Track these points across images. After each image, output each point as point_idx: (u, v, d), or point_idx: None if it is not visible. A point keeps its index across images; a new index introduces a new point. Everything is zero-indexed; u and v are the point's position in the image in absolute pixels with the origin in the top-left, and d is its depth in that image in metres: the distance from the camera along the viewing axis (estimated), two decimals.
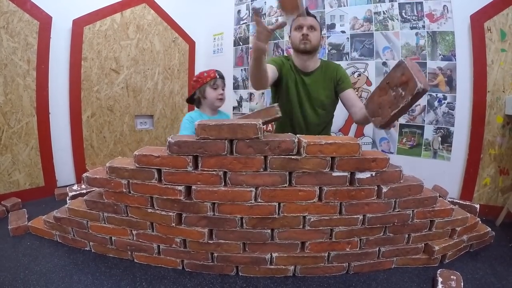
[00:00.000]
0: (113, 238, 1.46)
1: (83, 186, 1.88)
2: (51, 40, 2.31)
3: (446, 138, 2.23)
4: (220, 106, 1.84)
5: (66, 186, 2.28)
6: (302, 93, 1.80)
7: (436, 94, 2.23)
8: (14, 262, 1.41)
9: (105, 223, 1.45)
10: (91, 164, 2.63)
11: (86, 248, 1.54)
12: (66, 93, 2.48)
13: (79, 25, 2.44)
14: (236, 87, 3.24)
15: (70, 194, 1.83)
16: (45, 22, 2.26)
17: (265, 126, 1.34)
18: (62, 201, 2.15)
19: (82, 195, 1.73)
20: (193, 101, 1.88)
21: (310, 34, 1.70)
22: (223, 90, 1.81)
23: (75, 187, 1.95)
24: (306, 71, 1.81)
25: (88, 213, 1.47)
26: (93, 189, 1.57)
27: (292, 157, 1.23)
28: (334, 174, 1.26)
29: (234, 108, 3.25)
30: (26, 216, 1.81)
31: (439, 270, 1.34)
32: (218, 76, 1.79)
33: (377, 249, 1.41)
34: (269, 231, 1.32)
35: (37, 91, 2.26)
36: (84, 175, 1.42)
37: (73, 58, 2.46)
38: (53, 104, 2.38)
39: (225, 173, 1.26)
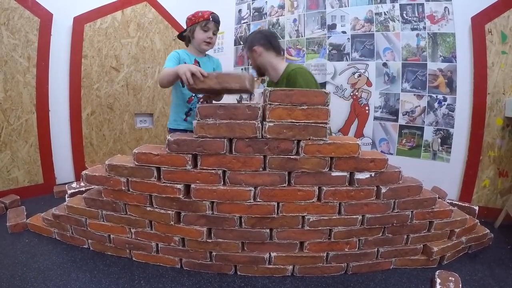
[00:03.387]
0: (111, 236, 1.46)
1: (82, 184, 1.87)
2: (51, 37, 2.31)
3: (446, 140, 2.22)
4: (206, 50, 1.76)
5: (65, 183, 2.28)
6: None
7: (436, 96, 2.22)
8: (12, 259, 1.41)
9: (103, 221, 1.45)
10: (90, 162, 2.62)
11: (84, 246, 1.54)
12: (66, 91, 2.48)
13: (79, 22, 2.44)
14: None
15: (69, 191, 1.83)
16: (46, 19, 2.26)
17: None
18: (61, 198, 2.14)
19: (81, 192, 1.73)
20: (183, 38, 1.78)
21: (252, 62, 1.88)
22: (214, 34, 1.71)
23: (74, 184, 1.95)
24: (275, 81, 1.84)
25: (86, 210, 1.47)
26: (92, 187, 1.57)
27: (291, 156, 1.23)
28: (333, 174, 1.26)
29: None
30: (25, 213, 1.81)
31: (437, 271, 1.34)
32: (211, 19, 1.70)
33: (376, 249, 1.41)
34: (268, 230, 1.32)
35: (37, 88, 2.25)
36: (83, 172, 1.42)
37: (74, 56, 2.45)
38: (53, 102, 2.38)
39: (224, 172, 1.26)
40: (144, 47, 2.85)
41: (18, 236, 1.64)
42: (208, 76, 1.25)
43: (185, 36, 1.76)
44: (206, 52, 1.79)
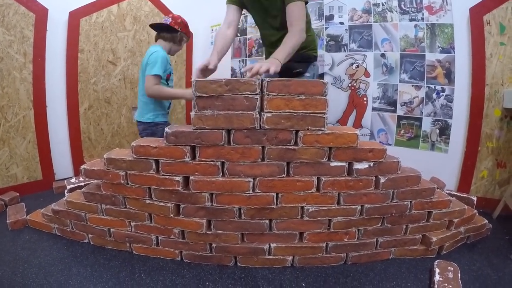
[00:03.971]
0: (111, 230, 1.46)
1: (81, 179, 1.87)
2: (47, 32, 2.29)
3: (444, 131, 2.23)
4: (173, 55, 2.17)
5: (64, 179, 2.27)
6: None
7: (435, 87, 2.22)
8: (13, 255, 1.41)
9: (103, 215, 1.45)
10: (88, 156, 2.62)
11: (84, 241, 1.55)
12: (63, 86, 2.46)
13: (75, 17, 2.42)
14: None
15: (68, 187, 1.82)
16: (41, 14, 2.23)
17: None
18: (61, 194, 2.13)
19: (80, 187, 1.73)
20: (165, 31, 1.96)
21: None
22: None
23: (73, 180, 1.95)
24: None
25: (86, 205, 1.47)
26: (91, 181, 1.56)
27: (290, 147, 1.23)
28: (332, 164, 1.26)
29: None
30: (25, 210, 1.81)
31: (436, 261, 1.35)
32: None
33: (375, 239, 1.42)
34: (267, 221, 1.33)
35: (33, 84, 2.23)
36: (82, 167, 1.42)
37: (70, 51, 2.43)
38: (50, 97, 2.36)
39: (222, 163, 1.26)
40: (140, 40, 2.83)
41: (19, 233, 1.64)
42: (216, 83, 1.21)
43: (171, 34, 1.96)
44: None
